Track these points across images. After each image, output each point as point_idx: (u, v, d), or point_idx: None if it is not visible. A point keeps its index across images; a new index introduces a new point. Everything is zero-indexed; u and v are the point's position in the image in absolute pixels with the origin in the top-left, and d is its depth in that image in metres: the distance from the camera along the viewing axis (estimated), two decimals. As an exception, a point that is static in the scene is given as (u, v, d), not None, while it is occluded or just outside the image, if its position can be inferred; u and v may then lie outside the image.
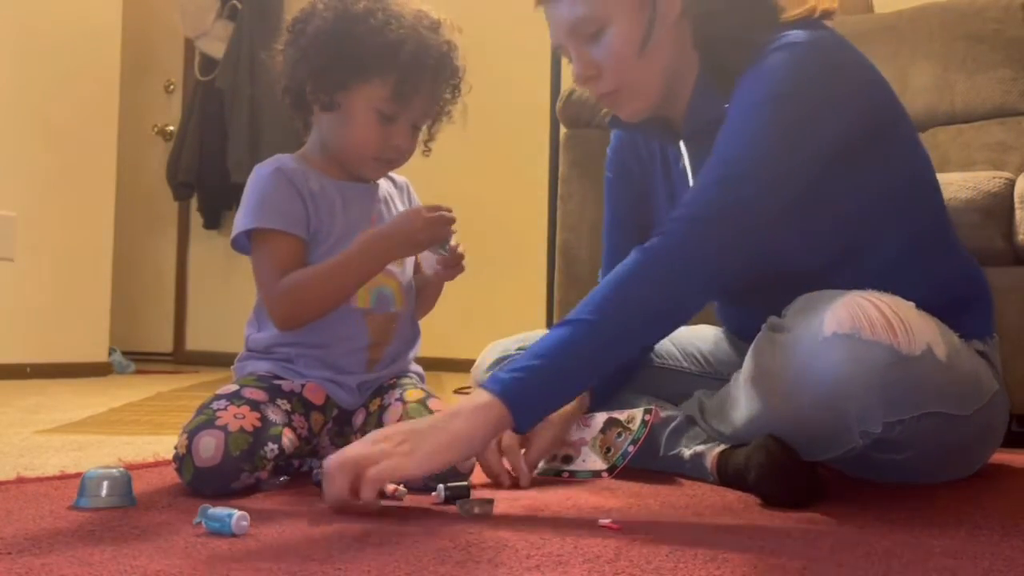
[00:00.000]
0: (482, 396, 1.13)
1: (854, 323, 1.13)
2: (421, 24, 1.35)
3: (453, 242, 1.35)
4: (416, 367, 1.48)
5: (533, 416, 1.16)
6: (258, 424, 1.23)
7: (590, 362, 1.18)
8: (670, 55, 1.34)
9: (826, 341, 1.14)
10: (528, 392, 1.14)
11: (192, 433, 1.20)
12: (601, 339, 1.17)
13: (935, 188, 1.41)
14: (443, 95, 1.40)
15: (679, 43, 1.34)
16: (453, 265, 1.39)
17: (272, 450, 1.22)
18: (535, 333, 1.70)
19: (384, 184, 1.47)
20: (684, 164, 1.43)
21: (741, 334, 1.53)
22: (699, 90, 1.36)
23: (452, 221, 1.32)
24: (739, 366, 1.34)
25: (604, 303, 1.18)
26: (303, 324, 1.35)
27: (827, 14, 1.34)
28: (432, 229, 1.30)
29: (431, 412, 1.29)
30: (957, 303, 1.33)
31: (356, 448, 1.10)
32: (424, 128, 1.42)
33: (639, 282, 1.20)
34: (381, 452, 1.07)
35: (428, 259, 1.42)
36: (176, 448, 1.22)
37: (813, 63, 1.26)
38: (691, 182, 1.41)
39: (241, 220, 1.35)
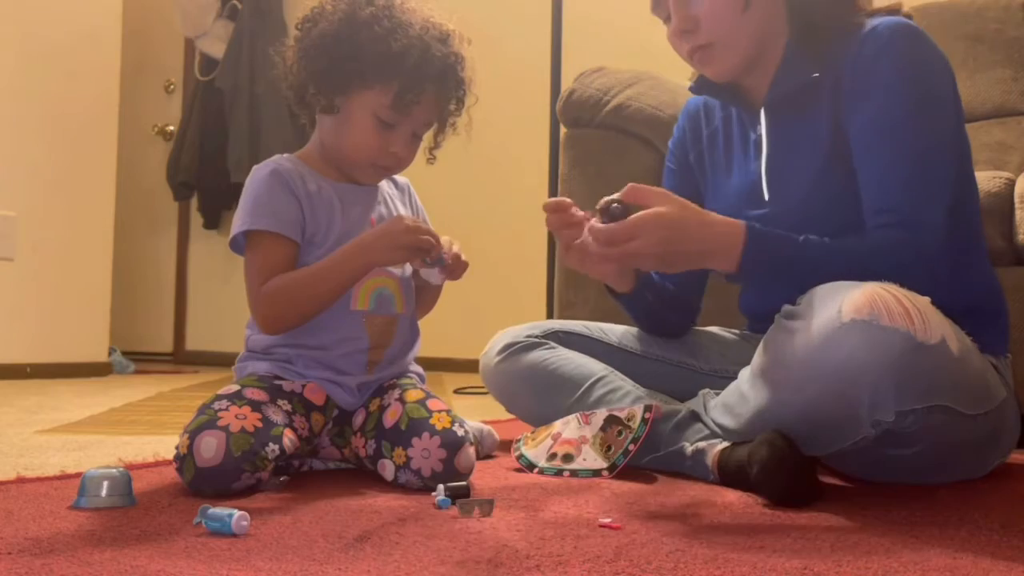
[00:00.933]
0: (731, 222, 1.27)
1: (872, 309, 1.13)
2: (428, 34, 1.33)
3: (446, 247, 1.34)
4: (416, 367, 1.48)
5: (756, 256, 1.26)
6: (259, 424, 1.23)
7: (805, 263, 1.29)
8: (765, 20, 1.42)
9: (844, 327, 1.14)
10: (766, 238, 1.28)
11: (193, 433, 1.20)
12: (821, 259, 1.28)
13: (975, 194, 1.46)
14: (448, 106, 1.39)
15: (774, 10, 1.42)
16: (455, 269, 1.38)
17: (273, 450, 1.22)
18: (544, 322, 1.70)
19: (385, 185, 1.47)
20: (760, 132, 1.47)
21: (765, 318, 1.53)
22: (787, 58, 1.42)
23: (433, 235, 1.31)
24: (746, 364, 1.34)
25: (842, 249, 1.29)
26: (286, 328, 1.34)
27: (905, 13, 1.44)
28: (413, 235, 1.29)
29: (431, 412, 1.29)
30: (974, 314, 1.33)
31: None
32: (429, 136, 1.41)
33: (870, 259, 1.29)
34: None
35: (431, 275, 1.40)
36: (177, 448, 1.22)
37: (931, 48, 1.37)
38: (765, 149, 1.46)
39: (236, 222, 1.35)
